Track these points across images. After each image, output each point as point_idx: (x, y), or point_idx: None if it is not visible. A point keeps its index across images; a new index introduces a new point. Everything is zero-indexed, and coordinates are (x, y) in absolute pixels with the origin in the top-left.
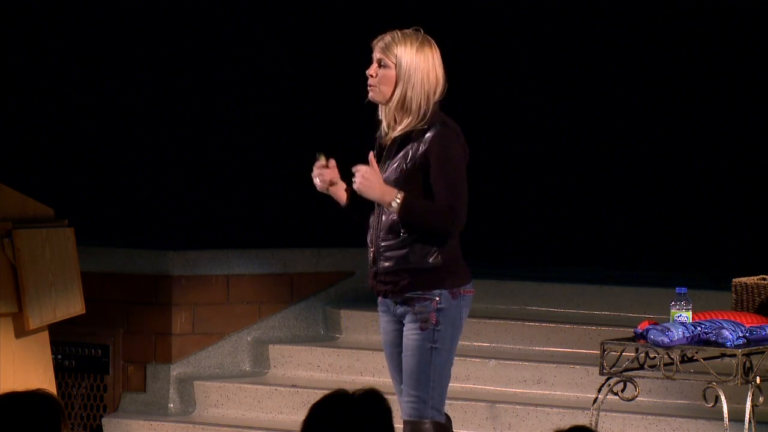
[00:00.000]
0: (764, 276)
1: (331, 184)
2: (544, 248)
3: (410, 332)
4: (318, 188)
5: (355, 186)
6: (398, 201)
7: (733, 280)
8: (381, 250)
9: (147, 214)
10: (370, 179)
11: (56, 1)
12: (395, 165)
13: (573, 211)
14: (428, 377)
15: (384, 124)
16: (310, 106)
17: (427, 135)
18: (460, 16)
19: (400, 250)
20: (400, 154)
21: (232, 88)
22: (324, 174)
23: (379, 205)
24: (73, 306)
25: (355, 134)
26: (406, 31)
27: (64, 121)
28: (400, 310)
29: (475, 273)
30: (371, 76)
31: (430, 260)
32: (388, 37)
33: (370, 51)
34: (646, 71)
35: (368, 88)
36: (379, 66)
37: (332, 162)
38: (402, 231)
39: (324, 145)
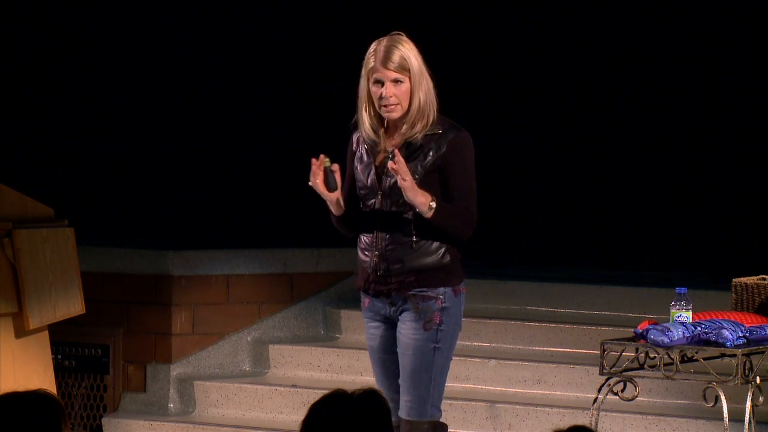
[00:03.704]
0: (764, 276)
1: (329, 189)
2: (544, 248)
3: (412, 332)
4: (313, 185)
5: (402, 183)
6: (433, 206)
7: (733, 280)
8: (387, 253)
9: (147, 214)
10: (413, 180)
11: (56, 1)
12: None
13: (573, 211)
14: (430, 376)
15: (370, 134)
16: (310, 106)
17: (446, 139)
18: (465, 15)
19: (410, 252)
20: (414, 158)
21: (232, 88)
22: (317, 174)
23: (379, 210)
24: (73, 306)
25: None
26: (395, 38)
27: (64, 121)
28: (396, 309)
29: (475, 273)
30: (391, 96)
31: (444, 260)
32: (387, 53)
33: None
34: (646, 71)
35: (386, 108)
36: (394, 83)
37: (336, 166)
38: (413, 233)
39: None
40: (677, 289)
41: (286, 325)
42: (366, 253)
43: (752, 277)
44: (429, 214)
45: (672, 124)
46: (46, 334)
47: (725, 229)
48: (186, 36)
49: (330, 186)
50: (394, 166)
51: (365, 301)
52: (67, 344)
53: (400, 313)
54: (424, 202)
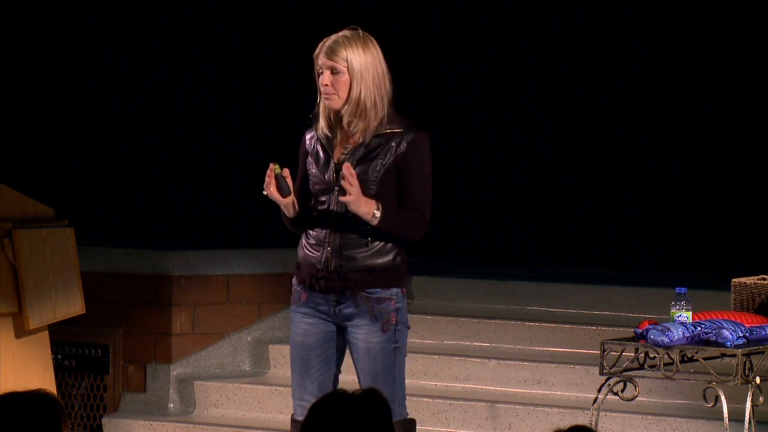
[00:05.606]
0: (764, 276)
1: (282, 194)
2: (544, 248)
3: (371, 335)
4: (268, 194)
5: (347, 198)
6: (378, 214)
7: (733, 280)
8: (340, 249)
9: (147, 214)
10: (359, 193)
11: (55, 2)
12: (366, 166)
13: (572, 211)
14: (393, 377)
15: (325, 129)
16: (310, 107)
17: (406, 139)
18: (458, 11)
19: (365, 251)
20: (374, 156)
21: (232, 88)
22: (270, 183)
23: (336, 206)
24: (73, 306)
25: None
26: (346, 32)
27: (64, 121)
28: (342, 308)
29: (475, 273)
30: (326, 85)
31: (396, 261)
32: (331, 43)
33: None
34: (646, 70)
35: (324, 96)
36: (332, 73)
37: (286, 171)
38: (369, 232)
39: (280, 158)
40: (677, 289)
41: (286, 325)
42: (315, 248)
43: (752, 277)
44: (374, 222)
45: (672, 124)
46: (46, 334)
47: (725, 229)
48: (186, 36)
49: (283, 191)
50: (345, 182)
51: (303, 295)
52: (67, 344)
53: (349, 318)
54: (367, 211)
